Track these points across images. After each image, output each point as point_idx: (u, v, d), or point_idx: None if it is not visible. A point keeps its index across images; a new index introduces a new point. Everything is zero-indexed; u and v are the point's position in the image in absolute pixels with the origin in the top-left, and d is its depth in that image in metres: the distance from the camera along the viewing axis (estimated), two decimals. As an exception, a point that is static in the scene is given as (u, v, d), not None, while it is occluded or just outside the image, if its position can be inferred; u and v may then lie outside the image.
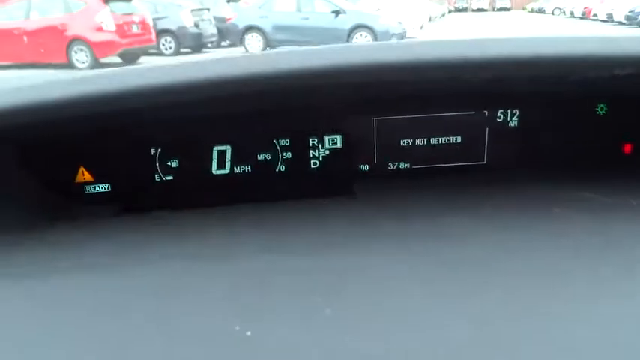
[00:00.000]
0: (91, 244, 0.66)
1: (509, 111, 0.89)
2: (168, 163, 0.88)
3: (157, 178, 0.88)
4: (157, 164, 0.87)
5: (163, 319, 0.46)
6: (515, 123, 0.90)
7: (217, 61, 0.65)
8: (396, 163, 0.92)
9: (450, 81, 0.71)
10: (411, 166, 0.92)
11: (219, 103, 0.73)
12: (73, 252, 0.64)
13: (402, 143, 0.91)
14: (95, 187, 0.88)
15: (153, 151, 0.87)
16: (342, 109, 0.87)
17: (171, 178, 0.89)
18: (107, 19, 9.20)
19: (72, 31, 9.19)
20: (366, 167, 0.92)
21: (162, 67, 0.65)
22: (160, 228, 0.72)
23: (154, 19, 10.62)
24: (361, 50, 0.68)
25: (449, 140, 0.90)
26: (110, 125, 0.80)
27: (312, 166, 0.90)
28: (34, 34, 9.24)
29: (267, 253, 0.60)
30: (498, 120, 0.90)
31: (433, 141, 0.91)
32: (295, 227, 0.69)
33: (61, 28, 9.21)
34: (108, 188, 0.88)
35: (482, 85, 0.76)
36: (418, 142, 0.90)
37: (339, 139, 0.90)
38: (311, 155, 0.90)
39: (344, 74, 0.66)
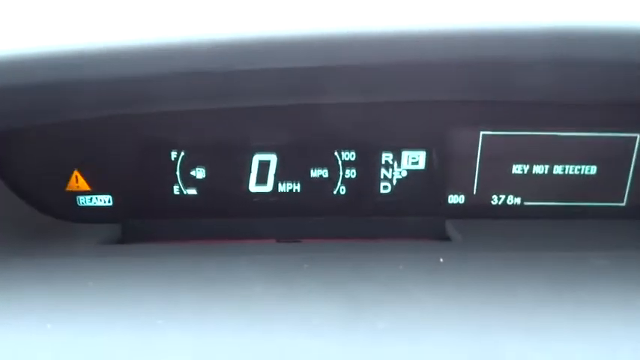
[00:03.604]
0: (70, 295, 0.51)
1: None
2: (193, 173, 0.71)
3: (175, 190, 0.71)
4: (178, 173, 0.70)
5: None
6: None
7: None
8: (503, 196, 0.72)
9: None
10: (522, 201, 0.73)
11: (263, 86, 0.58)
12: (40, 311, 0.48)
13: (514, 169, 0.71)
14: (92, 199, 0.72)
15: (174, 156, 0.70)
16: (432, 114, 0.68)
17: (195, 192, 0.71)
18: None
19: None
20: (460, 198, 0.72)
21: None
22: (172, 270, 0.56)
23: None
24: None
25: (579, 170, 0.71)
26: (117, 112, 0.65)
27: (381, 191, 0.72)
28: None
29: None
30: (654, 147, 0.71)
31: (557, 169, 0.71)
32: (355, 290, 0.51)
33: None
34: (108, 201, 0.72)
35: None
36: (536, 169, 0.71)
37: (422, 156, 0.70)
38: (382, 176, 0.71)
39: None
